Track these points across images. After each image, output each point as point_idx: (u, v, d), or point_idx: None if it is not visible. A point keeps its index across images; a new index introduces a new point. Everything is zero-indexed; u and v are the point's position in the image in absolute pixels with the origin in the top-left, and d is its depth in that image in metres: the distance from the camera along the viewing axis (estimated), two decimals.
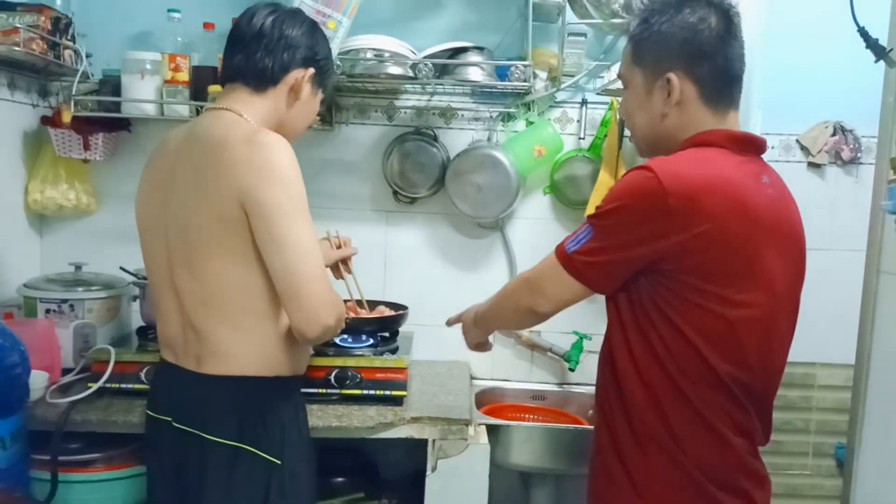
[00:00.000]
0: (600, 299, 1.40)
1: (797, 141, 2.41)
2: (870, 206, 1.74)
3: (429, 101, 2.37)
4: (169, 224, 1.48)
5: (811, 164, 2.41)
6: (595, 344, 1.76)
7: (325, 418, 1.78)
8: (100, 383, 1.80)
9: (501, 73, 2.17)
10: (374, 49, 2.10)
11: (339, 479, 2.09)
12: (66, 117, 2.13)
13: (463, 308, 1.68)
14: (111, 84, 2.17)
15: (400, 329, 2.15)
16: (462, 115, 2.38)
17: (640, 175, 1.24)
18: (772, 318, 1.31)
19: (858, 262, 1.73)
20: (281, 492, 1.46)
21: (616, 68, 1.85)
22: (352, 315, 2.02)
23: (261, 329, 1.46)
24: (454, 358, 2.39)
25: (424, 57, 2.12)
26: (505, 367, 2.46)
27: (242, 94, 1.51)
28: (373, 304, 2.15)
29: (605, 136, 2.30)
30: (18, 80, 2.17)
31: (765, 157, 1.40)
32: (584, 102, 2.35)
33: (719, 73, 1.33)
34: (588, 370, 2.31)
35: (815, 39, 2.29)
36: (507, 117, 2.37)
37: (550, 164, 2.34)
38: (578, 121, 2.37)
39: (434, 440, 1.81)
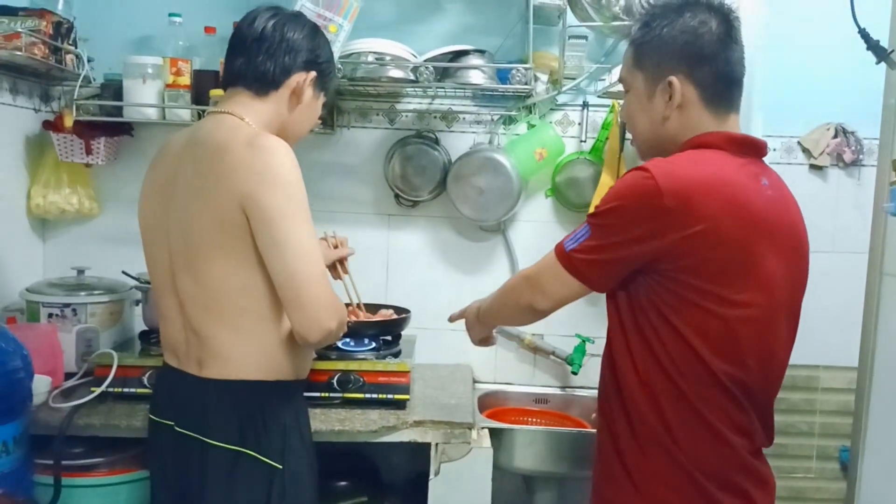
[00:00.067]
0: (603, 302, 1.42)
1: (799, 143, 2.41)
2: (872, 208, 1.74)
3: (430, 104, 2.37)
4: (170, 228, 1.48)
5: (813, 167, 2.41)
6: (598, 347, 1.76)
7: (327, 422, 1.77)
8: (102, 388, 1.80)
9: (502, 76, 2.17)
10: (375, 52, 2.10)
11: (342, 483, 2.08)
12: (68, 122, 2.13)
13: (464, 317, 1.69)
14: (113, 88, 2.17)
15: (402, 332, 2.15)
16: (463, 119, 2.38)
17: (637, 176, 1.25)
18: (770, 318, 1.31)
19: (861, 264, 1.73)
20: (282, 496, 1.45)
21: (617, 71, 1.85)
22: (353, 319, 2.01)
23: (262, 333, 1.46)
24: (457, 361, 2.39)
25: (425, 60, 2.12)
26: (508, 370, 2.45)
27: (244, 98, 1.52)
28: (375, 308, 2.15)
29: (607, 138, 2.30)
30: (20, 84, 2.17)
31: (766, 159, 1.41)
32: (585, 105, 2.35)
33: (720, 76, 1.34)
34: (591, 373, 2.30)
35: (817, 41, 2.29)
36: (509, 120, 2.37)
37: (552, 166, 2.34)
38: (580, 123, 2.37)
39: (437, 444, 1.81)
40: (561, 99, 2.37)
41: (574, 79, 2.30)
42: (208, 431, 1.44)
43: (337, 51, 1.95)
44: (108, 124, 2.21)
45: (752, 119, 1.93)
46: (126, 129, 2.30)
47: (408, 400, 1.89)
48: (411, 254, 2.42)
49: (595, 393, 1.48)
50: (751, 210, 1.26)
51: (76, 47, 2.16)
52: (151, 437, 1.59)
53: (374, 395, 1.86)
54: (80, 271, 2.09)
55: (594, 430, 1.49)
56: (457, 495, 1.80)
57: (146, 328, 2.08)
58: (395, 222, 2.42)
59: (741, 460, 1.32)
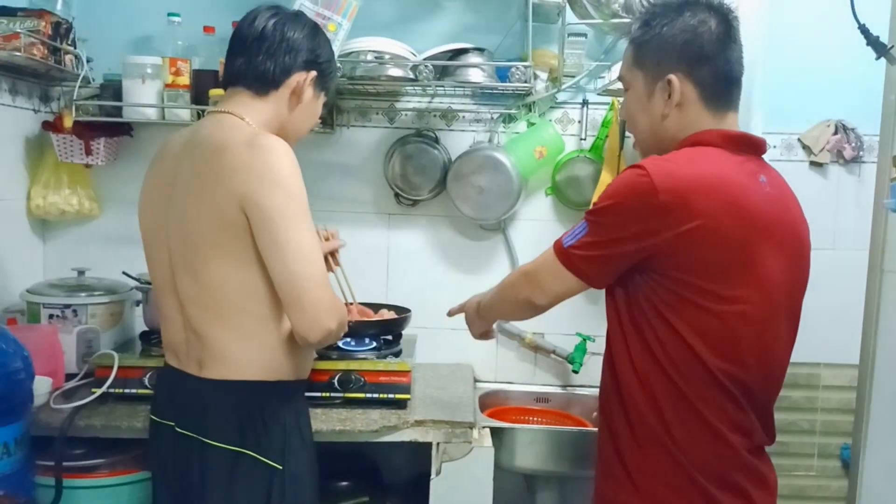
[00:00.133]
0: (603, 300, 1.42)
1: (799, 140, 2.41)
2: (872, 204, 1.73)
3: (430, 102, 2.37)
4: (170, 228, 1.48)
5: (813, 163, 2.41)
6: (599, 346, 1.76)
7: (328, 422, 1.77)
8: (103, 388, 1.80)
9: (502, 74, 2.17)
10: (374, 51, 2.10)
11: (344, 484, 2.08)
12: (68, 122, 2.13)
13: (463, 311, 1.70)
14: (112, 88, 2.17)
15: (403, 332, 2.15)
16: (463, 117, 2.38)
17: (633, 173, 1.27)
18: (769, 315, 1.31)
19: (862, 261, 1.73)
20: (282, 496, 1.45)
21: (616, 68, 1.85)
22: (353, 318, 2.01)
23: (262, 333, 1.46)
24: (457, 360, 2.39)
25: (425, 59, 2.12)
26: (508, 369, 2.45)
27: (244, 98, 1.51)
28: (375, 307, 2.15)
29: (607, 136, 2.30)
30: (20, 85, 2.17)
31: (766, 156, 1.42)
32: (585, 103, 2.35)
33: (719, 75, 1.36)
34: (592, 372, 2.30)
35: (816, 38, 2.28)
36: (508, 118, 2.37)
37: (552, 165, 2.34)
38: (579, 121, 2.37)
39: (438, 443, 1.81)
40: (560, 97, 2.37)
41: (573, 76, 2.30)
42: (208, 432, 1.44)
43: (336, 49, 1.94)
44: (107, 125, 2.20)
45: (752, 116, 1.93)
46: (126, 129, 2.30)
47: (409, 399, 1.89)
48: (411, 253, 2.42)
49: (596, 392, 1.49)
50: (748, 207, 1.27)
51: (75, 48, 2.16)
52: (152, 437, 1.59)
53: (375, 395, 1.86)
54: (81, 272, 2.09)
55: (595, 429, 1.50)
56: (458, 495, 1.80)
57: (147, 329, 2.08)
58: (395, 221, 2.42)
59: (740, 459, 1.32)
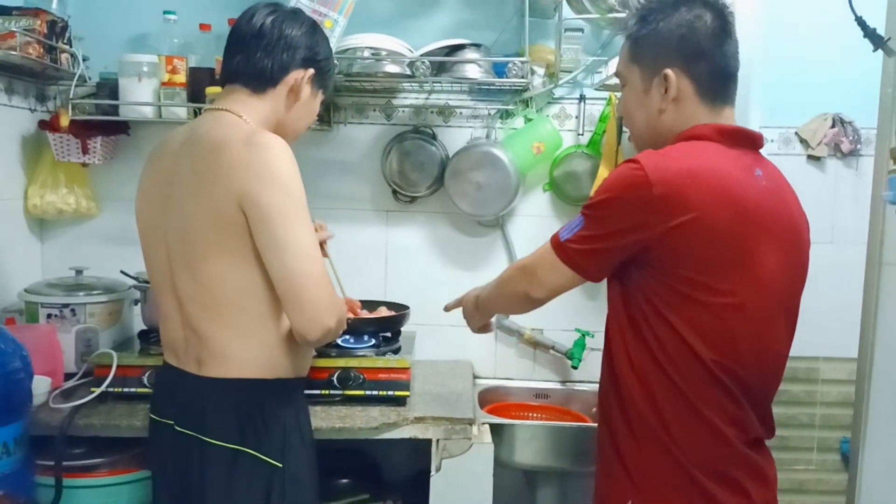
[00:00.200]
0: (602, 296, 1.43)
1: (796, 134, 2.41)
2: (870, 197, 1.73)
3: (427, 99, 2.37)
4: (169, 226, 1.48)
5: (811, 157, 2.41)
6: (598, 341, 1.76)
7: (328, 419, 1.77)
8: (102, 388, 1.80)
9: (499, 69, 2.17)
10: (371, 48, 2.09)
11: (344, 481, 2.09)
12: (65, 121, 2.13)
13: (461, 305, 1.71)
14: (108, 87, 2.16)
15: (402, 329, 2.15)
16: (460, 113, 2.38)
17: (628, 167, 1.28)
18: (765, 309, 1.32)
19: (860, 254, 1.72)
20: (282, 495, 1.45)
21: (613, 63, 1.85)
22: (352, 316, 2.01)
23: (261, 331, 1.46)
24: (457, 357, 2.39)
25: (422, 55, 2.11)
26: (508, 365, 2.45)
27: (242, 96, 1.51)
28: (374, 305, 2.15)
29: (604, 131, 2.30)
30: (16, 84, 2.17)
31: (764, 150, 1.42)
32: (582, 98, 2.35)
33: (715, 70, 1.37)
34: (591, 368, 2.31)
35: (813, 31, 2.29)
36: (506, 114, 2.36)
37: (550, 160, 2.34)
38: (577, 117, 2.36)
39: (438, 440, 1.81)
40: (558, 92, 2.36)
41: (570, 72, 2.30)
42: (207, 430, 1.44)
43: (332, 46, 1.93)
44: (104, 123, 2.20)
45: (750, 111, 1.93)
46: (123, 127, 2.29)
47: (408, 396, 1.89)
48: (410, 250, 2.42)
49: (595, 387, 1.49)
50: (743, 201, 1.27)
51: (71, 46, 2.16)
52: (152, 436, 1.59)
53: (375, 392, 1.86)
54: (79, 271, 2.08)
55: (595, 425, 1.51)
56: (458, 491, 1.79)
57: (145, 328, 2.08)
58: (393, 218, 2.41)
59: (737, 453, 1.32)
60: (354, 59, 2.10)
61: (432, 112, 2.38)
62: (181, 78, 2.13)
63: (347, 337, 1.99)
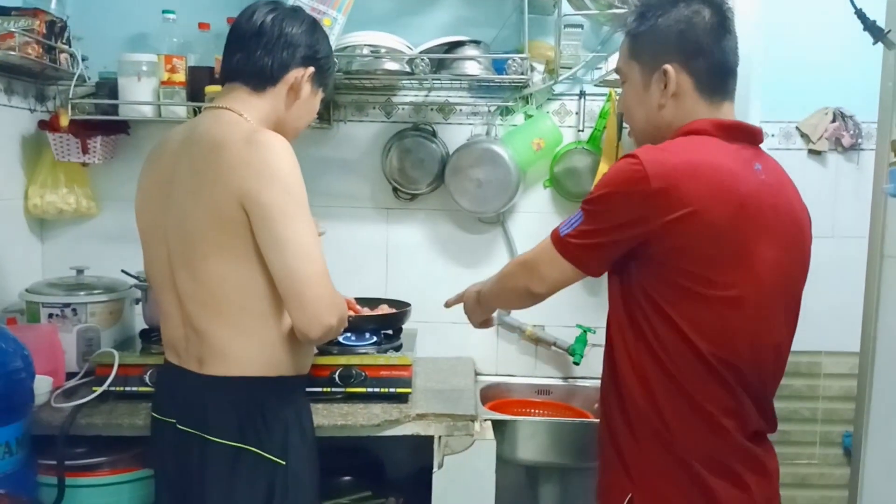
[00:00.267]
0: (603, 292, 1.44)
1: (797, 128, 2.40)
2: (871, 191, 1.73)
3: (426, 96, 2.36)
4: (169, 225, 1.48)
5: (812, 152, 2.40)
6: (599, 337, 1.76)
7: (330, 417, 1.77)
8: (104, 387, 1.80)
9: (499, 66, 2.17)
10: (370, 45, 2.09)
11: (346, 479, 2.09)
12: (64, 121, 2.13)
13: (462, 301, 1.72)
14: (108, 87, 2.16)
15: (403, 326, 2.15)
16: (460, 110, 2.37)
17: (626, 162, 1.29)
18: (763, 302, 1.32)
19: (861, 248, 1.72)
20: (284, 492, 1.45)
21: (613, 59, 1.85)
22: (353, 313, 2.01)
23: (262, 329, 1.46)
24: (458, 354, 2.39)
25: (421, 52, 2.11)
26: (509, 362, 2.45)
27: (242, 94, 1.51)
28: (375, 303, 2.15)
29: (604, 127, 2.29)
30: (15, 84, 2.17)
31: (765, 145, 1.43)
32: (582, 94, 2.34)
33: (714, 65, 1.37)
34: (593, 364, 2.31)
35: (813, 25, 2.28)
36: (506, 111, 2.36)
37: (550, 157, 2.33)
38: (577, 113, 2.36)
39: (440, 437, 1.81)
40: (557, 89, 2.36)
41: (570, 68, 2.30)
42: (209, 428, 1.44)
43: (332, 44, 1.93)
44: (104, 123, 2.20)
45: (750, 105, 1.93)
46: (122, 127, 2.29)
47: (410, 393, 1.89)
48: (410, 247, 2.42)
49: (597, 383, 1.50)
50: (741, 195, 1.28)
51: (70, 46, 2.15)
52: (154, 435, 1.59)
53: (376, 390, 1.86)
54: (80, 271, 2.08)
55: (597, 420, 1.51)
56: (460, 488, 1.80)
57: (147, 327, 2.07)
58: (393, 216, 2.41)
59: (736, 445, 1.33)
60: (354, 56, 2.10)
61: (432, 109, 2.37)
62: (180, 77, 2.13)
63: (349, 334, 1.99)
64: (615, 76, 1.75)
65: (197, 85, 2.13)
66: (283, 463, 1.45)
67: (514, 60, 2.09)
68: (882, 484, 1.62)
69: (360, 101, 2.36)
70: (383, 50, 2.09)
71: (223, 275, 1.42)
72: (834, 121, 2.37)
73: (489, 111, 2.35)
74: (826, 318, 2.18)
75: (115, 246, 2.26)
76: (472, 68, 2.15)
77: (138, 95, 2.11)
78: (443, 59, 2.13)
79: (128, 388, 1.83)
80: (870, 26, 1.57)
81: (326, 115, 2.31)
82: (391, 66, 2.10)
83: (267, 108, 1.52)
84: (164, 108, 2.13)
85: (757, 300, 1.30)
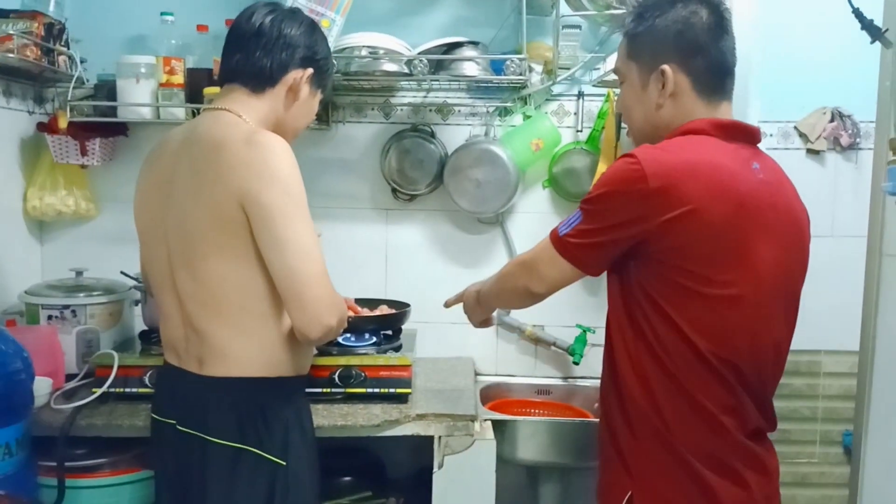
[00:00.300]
0: (603, 292, 1.44)
1: (795, 128, 2.40)
2: (870, 190, 1.73)
3: (425, 97, 2.37)
4: (169, 226, 1.48)
5: (810, 151, 2.40)
6: (599, 337, 1.76)
7: (330, 417, 1.77)
8: (104, 388, 1.80)
9: (497, 67, 2.17)
10: (368, 46, 2.09)
11: (346, 479, 2.09)
12: (63, 123, 2.13)
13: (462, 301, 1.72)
14: (106, 89, 2.17)
15: (403, 327, 2.15)
16: (459, 111, 2.38)
17: (625, 162, 1.30)
18: (761, 300, 1.32)
19: (860, 247, 1.72)
20: (285, 492, 1.45)
21: (611, 59, 1.85)
22: (353, 314, 2.01)
23: (262, 330, 1.46)
24: (458, 354, 2.39)
25: (419, 53, 2.11)
26: (509, 362, 2.45)
27: (240, 95, 1.51)
28: (374, 303, 2.15)
29: (603, 127, 2.29)
30: (13, 87, 2.17)
31: (763, 144, 1.44)
32: (580, 95, 2.35)
33: (712, 65, 1.38)
34: (593, 363, 2.31)
35: (811, 24, 2.29)
36: (504, 112, 2.36)
37: (549, 157, 2.34)
38: (575, 113, 2.36)
39: (440, 437, 1.81)
40: (556, 89, 2.36)
41: (569, 69, 2.30)
42: (209, 429, 1.44)
43: (330, 45, 1.94)
44: (102, 125, 2.20)
45: (749, 105, 1.93)
46: (121, 129, 2.30)
47: (410, 394, 1.89)
48: (410, 248, 2.42)
49: (597, 383, 1.51)
50: (737, 193, 1.28)
51: (68, 48, 2.16)
52: (154, 436, 1.59)
53: (376, 390, 1.86)
54: (79, 272, 2.08)
55: (597, 420, 1.51)
56: (461, 488, 1.80)
57: (146, 328, 2.08)
58: (392, 217, 2.41)
59: (735, 442, 1.33)
60: (352, 58, 2.10)
61: (431, 110, 2.38)
62: (179, 79, 2.13)
63: (348, 335, 1.99)
64: (613, 77, 1.76)
65: (195, 87, 2.13)
66: (284, 463, 1.45)
67: (512, 61, 2.10)
68: (882, 483, 1.62)
69: (359, 102, 2.36)
70: (382, 51, 2.10)
71: (223, 275, 1.42)
72: (832, 120, 2.38)
73: (488, 112, 2.35)
74: (826, 317, 2.18)
75: (114, 247, 2.26)
76: (471, 69, 2.15)
77: (137, 97, 2.11)
78: (441, 60, 2.13)
79: (128, 390, 1.83)
80: (867, 25, 1.57)
81: (325, 116, 2.32)
82: (390, 67, 2.11)
83: (266, 110, 1.52)
84: (163, 109, 2.13)
85: (756, 299, 1.31)
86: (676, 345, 1.29)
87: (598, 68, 2.30)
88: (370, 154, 2.37)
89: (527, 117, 2.33)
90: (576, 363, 2.36)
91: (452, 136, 2.36)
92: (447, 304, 1.77)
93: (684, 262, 1.28)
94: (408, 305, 2.13)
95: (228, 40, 1.54)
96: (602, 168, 2.24)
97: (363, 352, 1.94)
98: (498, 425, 1.96)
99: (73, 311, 1.97)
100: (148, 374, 1.83)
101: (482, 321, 1.72)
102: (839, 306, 2.11)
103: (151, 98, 2.13)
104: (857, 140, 2.38)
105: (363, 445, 2.06)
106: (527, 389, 2.41)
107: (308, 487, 1.51)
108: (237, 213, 1.38)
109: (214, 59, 2.06)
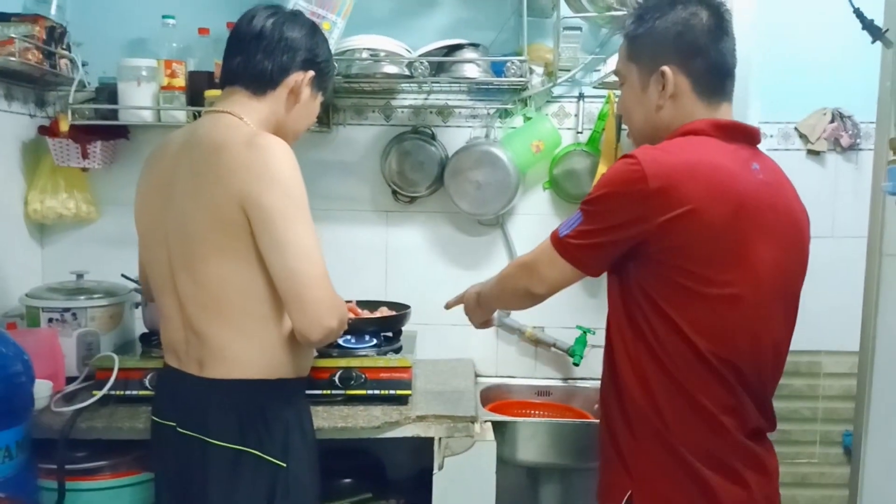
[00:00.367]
0: (603, 293, 1.44)
1: (796, 129, 2.40)
2: (870, 190, 1.73)
3: (425, 99, 2.37)
4: (169, 228, 1.48)
5: (810, 152, 2.41)
6: (599, 338, 1.76)
7: (330, 419, 1.77)
8: (104, 391, 1.80)
9: (497, 69, 2.17)
10: (369, 49, 2.10)
11: (347, 481, 2.09)
12: (64, 126, 2.13)
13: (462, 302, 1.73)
14: (108, 92, 2.16)
15: (403, 328, 2.15)
16: (459, 113, 2.38)
17: (625, 163, 1.30)
18: (760, 299, 1.32)
19: (860, 248, 1.72)
20: (286, 494, 1.45)
21: (612, 61, 1.85)
22: (353, 316, 2.01)
23: (263, 332, 1.46)
24: (458, 356, 2.39)
25: (420, 55, 2.11)
26: (509, 363, 2.45)
27: (241, 97, 1.52)
28: (374, 305, 2.15)
29: (603, 129, 2.29)
30: (15, 90, 2.17)
31: (764, 145, 1.44)
32: (580, 96, 2.35)
33: (711, 66, 1.38)
34: (593, 365, 2.31)
35: (811, 25, 2.29)
36: (505, 113, 2.36)
37: (549, 159, 2.34)
38: (576, 115, 2.37)
39: (440, 438, 1.81)
40: (556, 91, 2.36)
41: (569, 70, 2.30)
42: (210, 431, 1.44)
43: (331, 48, 1.94)
44: (103, 128, 2.20)
45: (749, 106, 1.93)
46: (122, 132, 2.30)
47: (410, 395, 1.89)
48: (410, 250, 2.42)
49: (597, 384, 1.51)
50: (739, 194, 1.28)
51: (70, 52, 2.16)
52: (154, 438, 1.59)
53: (377, 392, 1.86)
54: (80, 275, 2.08)
55: (597, 421, 1.51)
56: (461, 489, 1.79)
57: (146, 330, 2.08)
58: (393, 219, 2.42)
59: (735, 442, 1.33)
60: (353, 60, 2.10)
61: (431, 112, 2.38)
62: (180, 82, 2.13)
63: (349, 337, 1.99)
64: (614, 78, 1.76)
65: (196, 89, 2.13)
66: (284, 465, 1.45)
67: (512, 63, 2.10)
68: (882, 483, 1.62)
69: (360, 104, 2.37)
70: (382, 53, 2.10)
71: (224, 277, 1.42)
72: (832, 121, 2.38)
73: (488, 114, 2.35)
74: (826, 318, 2.18)
75: (114, 250, 2.26)
76: (471, 71, 2.15)
77: (138, 100, 2.12)
78: (442, 62, 2.14)
79: (128, 392, 1.83)
80: (868, 25, 1.57)
81: (326, 118, 2.32)
82: (390, 69, 2.11)
83: (267, 112, 1.52)
84: (164, 112, 2.14)
85: (755, 299, 1.31)
86: (676, 345, 1.30)
87: (599, 70, 2.30)
88: (371, 156, 2.37)
89: (527, 119, 2.34)
90: (576, 364, 2.36)
91: (453, 137, 2.37)
92: (448, 306, 1.77)
93: (684, 263, 1.28)
94: (408, 307, 2.13)
95: (230, 43, 1.54)
96: (602, 169, 2.25)
97: (363, 353, 1.95)
98: (498, 427, 1.96)
99: (74, 314, 1.97)
100: (148, 377, 1.83)
101: (483, 322, 1.73)
102: (839, 307, 2.11)
103: (152, 101, 2.13)
104: (858, 141, 2.38)
105: (363, 447, 2.06)
106: (527, 391, 2.41)
107: (308, 489, 1.51)
108: (238, 215, 1.38)
109: (216, 62, 2.06)
